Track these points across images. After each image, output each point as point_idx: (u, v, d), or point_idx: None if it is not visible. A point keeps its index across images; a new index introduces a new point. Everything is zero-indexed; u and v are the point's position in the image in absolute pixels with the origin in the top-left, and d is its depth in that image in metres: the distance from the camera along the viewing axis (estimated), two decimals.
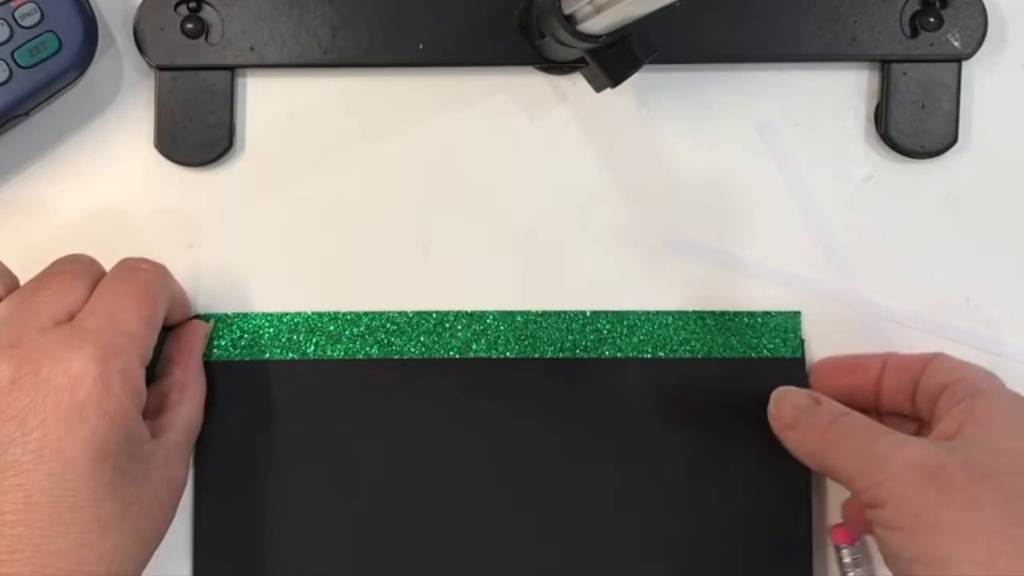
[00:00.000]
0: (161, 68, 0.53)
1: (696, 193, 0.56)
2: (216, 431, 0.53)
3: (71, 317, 0.47)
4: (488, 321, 0.54)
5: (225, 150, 0.54)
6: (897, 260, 0.56)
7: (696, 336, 0.55)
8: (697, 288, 0.56)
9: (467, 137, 0.55)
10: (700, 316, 0.55)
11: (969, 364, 0.51)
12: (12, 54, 0.50)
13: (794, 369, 0.54)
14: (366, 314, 0.54)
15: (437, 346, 0.54)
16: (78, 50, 0.51)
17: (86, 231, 0.54)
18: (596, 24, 0.45)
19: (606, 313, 0.55)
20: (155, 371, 0.52)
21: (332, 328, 0.54)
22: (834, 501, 0.55)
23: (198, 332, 0.53)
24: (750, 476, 0.54)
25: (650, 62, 0.47)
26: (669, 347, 0.54)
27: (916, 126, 0.55)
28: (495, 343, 0.54)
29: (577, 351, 0.54)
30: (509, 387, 0.54)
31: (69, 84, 0.52)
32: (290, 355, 0.53)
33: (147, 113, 0.54)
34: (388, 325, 0.54)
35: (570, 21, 0.47)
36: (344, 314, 0.54)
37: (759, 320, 0.55)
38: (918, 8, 0.55)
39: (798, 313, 0.55)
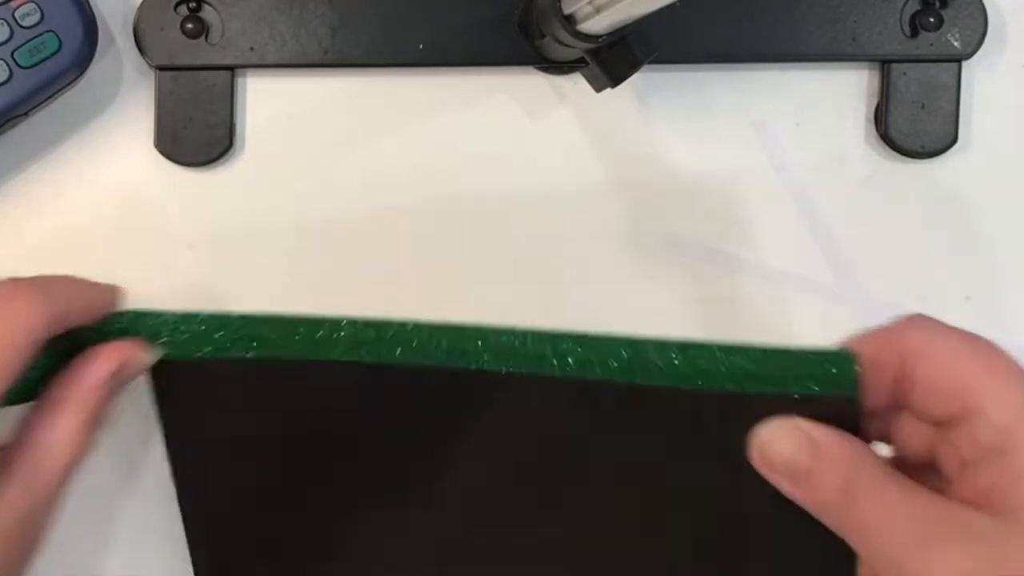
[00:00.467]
0: (161, 68, 0.53)
1: (696, 193, 0.56)
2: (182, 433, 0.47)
3: None
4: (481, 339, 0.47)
5: (225, 150, 0.54)
6: (897, 260, 0.56)
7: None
8: (697, 288, 0.56)
9: (467, 137, 0.55)
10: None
11: (967, 350, 0.40)
12: (12, 54, 0.50)
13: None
14: (327, 319, 0.48)
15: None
16: (78, 50, 0.51)
17: (86, 231, 0.54)
18: (596, 24, 0.45)
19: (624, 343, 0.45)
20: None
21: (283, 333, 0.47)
22: None
23: (96, 362, 0.44)
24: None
25: (650, 62, 0.47)
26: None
27: (916, 126, 0.55)
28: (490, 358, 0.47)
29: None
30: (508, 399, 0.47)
31: (69, 84, 0.52)
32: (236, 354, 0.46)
33: (147, 113, 0.54)
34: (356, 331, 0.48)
35: (570, 21, 0.47)
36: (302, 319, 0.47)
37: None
38: (918, 8, 0.55)
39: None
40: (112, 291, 0.46)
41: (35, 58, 0.50)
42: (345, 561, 0.49)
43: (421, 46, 0.54)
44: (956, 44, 0.55)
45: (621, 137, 0.56)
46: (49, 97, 0.51)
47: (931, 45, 0.55)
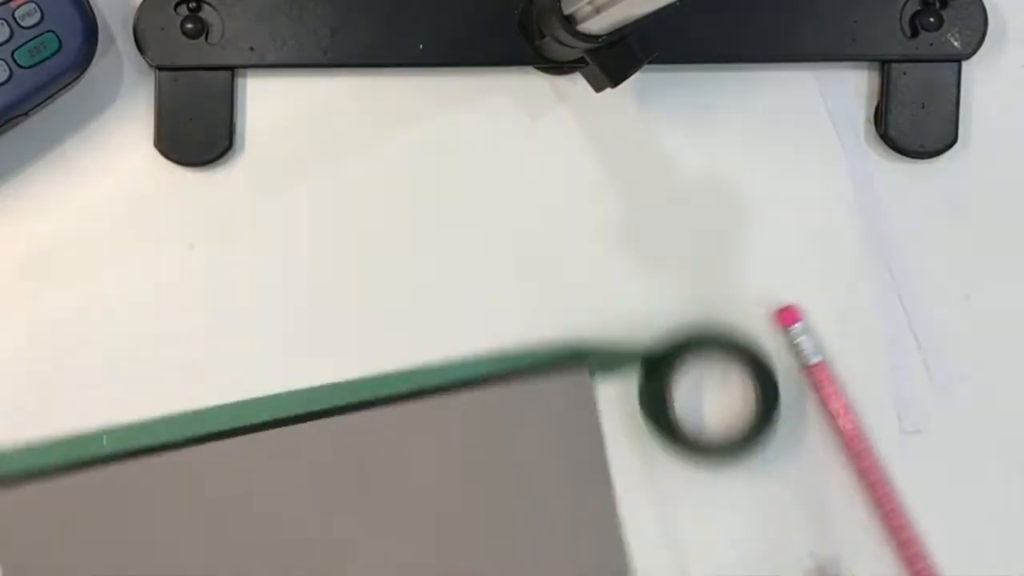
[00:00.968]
0: (161, 68, 0.53)
1: (696, 193, 0.56)
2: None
3: None
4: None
5: (225, 150, 0.54)
6: (897, 260, 0.56)
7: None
8: (696, 288, 0.56)
9: (467, 137, 0.55)
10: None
11: None
12: (12, 54, 0.50)
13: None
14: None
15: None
16: (78, 50, 0.51)
17: (86, 231, 0.54)
18: (596, 24, 0.45)
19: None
20: None
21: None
22: None
23: None
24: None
25: (650, 62, 0.47)
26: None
27: (916, 126, 0.55)
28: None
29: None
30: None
31: (69, 84, 0.52)
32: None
33: (147, 113, 0.54)
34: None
35: (570, 21, 0.47)
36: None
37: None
38: (918, 8, 0.55)
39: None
40: None
41: (35, 58, 0.50)
42: None
43: (421, 46, 0.54)
44: (956, 44, 0.55)
45: (621, 137, 0.56)
46: (49, 97, 0.51)
47: (931, 45, 0.55)
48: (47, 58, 0.50)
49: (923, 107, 0.55)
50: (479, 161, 0.55)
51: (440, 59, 0.54)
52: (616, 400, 0.55)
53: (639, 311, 0.55)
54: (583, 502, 0.54)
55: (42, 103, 0.51)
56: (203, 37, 0.53)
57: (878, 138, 0.56)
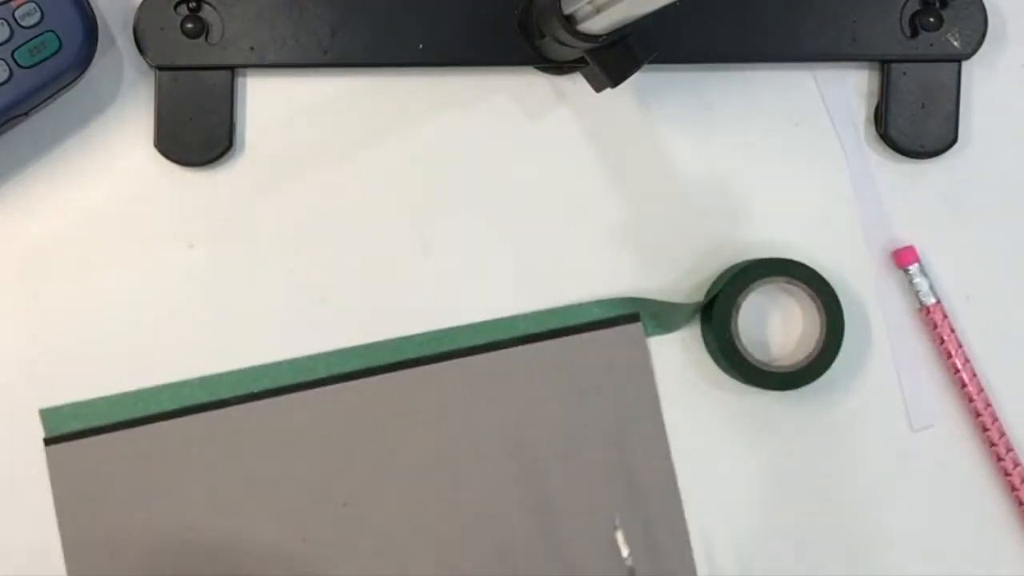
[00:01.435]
0: (161, 68, 0.53)
1: (696, 193, 0.56)
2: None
3: None
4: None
5: (225, 150, 0.54)
6: (896, 259, 0.56)
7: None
8: (696, 287, 0.56)
9: (467, 137, 0.55)
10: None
11: None
12: (12, 54, 0.50)
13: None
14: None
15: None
16: (78, 50, 0.51)
17: (86, 231, 0.54)
18: (596, 24, 0.45)
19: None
20: None
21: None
22: None
23: None
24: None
25: (650, 62, 0.47)
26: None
27: (916, 126, 0.55)
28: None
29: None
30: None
31: (69, 84, 0.52)
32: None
33: (147, 113, 0.54)
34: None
35: (570, 21, 0.47)
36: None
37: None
38: (918, 8, 0.55)
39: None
40: None
41: (35, 58, 0.50)
42: None
43: (421, 46, 0.54)
44: (956, 44, 0.55)
45: (621, 137, 0.56)
46: (49, 97, 0.51)
47: (931, 45, 0.55)
48: (47, 58, 0.50)
49: (923, 107, 0.55)
50: (479, 161, 0.55)
51: (440, 59, 0.54)
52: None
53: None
54: (637, 455, 0.54)
55: (42, 103, 0.51)
56: (203, 37, 0.53)
57: (878, 138, 0.56)
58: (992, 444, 0.55)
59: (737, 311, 0.54)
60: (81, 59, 0.51)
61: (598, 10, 0.44)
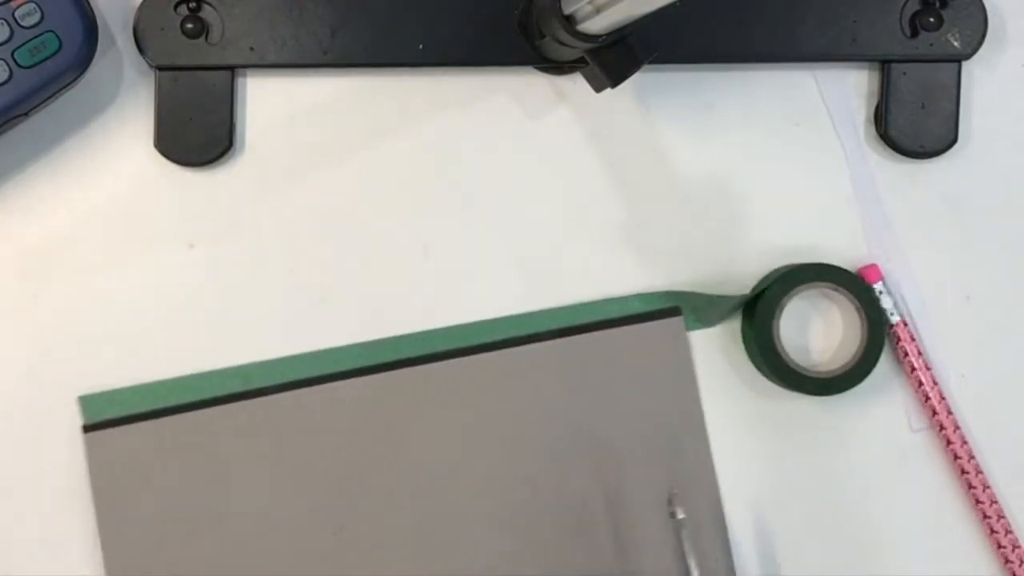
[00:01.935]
0: (161, 68, 0.53)
1: (696, 193, 0.56)
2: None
3: None
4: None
5: (225, 150, 0.54)
6: (896, 260, 0.56)
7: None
8: (695, 287, 0.56)
9: (467, 137, 0.55)
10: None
11: None
12: (12, 54, 0.50)
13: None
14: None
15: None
16: (78, 50, 0.51)
17: (86, 231, 0.54)
18: (596, 24, 0.45)
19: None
20: None
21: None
22: None
23: None
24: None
25: (650, 62, 0.47)
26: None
27: (916, 126, 0.55)
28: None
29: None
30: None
31: (69, 84, 0.52)
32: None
33: (147, 113, 0.54)
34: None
35: (570, 21, 0.47)
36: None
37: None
38: (918, 8, 0.55)
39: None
40: None
41: (35, 58, 0.50)
42: None
43: (421, 46, 0.54)
44: (956, 44, 0.55)
45: (621, 137, 0.56)
46: (49, 97, 0.51)
47: (931, 45, 0.55)
48: (47, 58, 0.50)
49: (923, 107, 0.55)
50: (479, 161, 0.55)
51: (440, 59, 0.54)
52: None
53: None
54: (677, 450, 0.54)
55: (42, 103, 0.51)
56: (203, 37, 0.53)
57: (878, 138, 0.56)
58: (964, 472, 0.55)
59: (780, 312, 0.54)
60: (81, 59, 0.51)
61: (598, 10, 0.44)
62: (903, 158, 0.56)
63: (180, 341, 0.54)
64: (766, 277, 0.55)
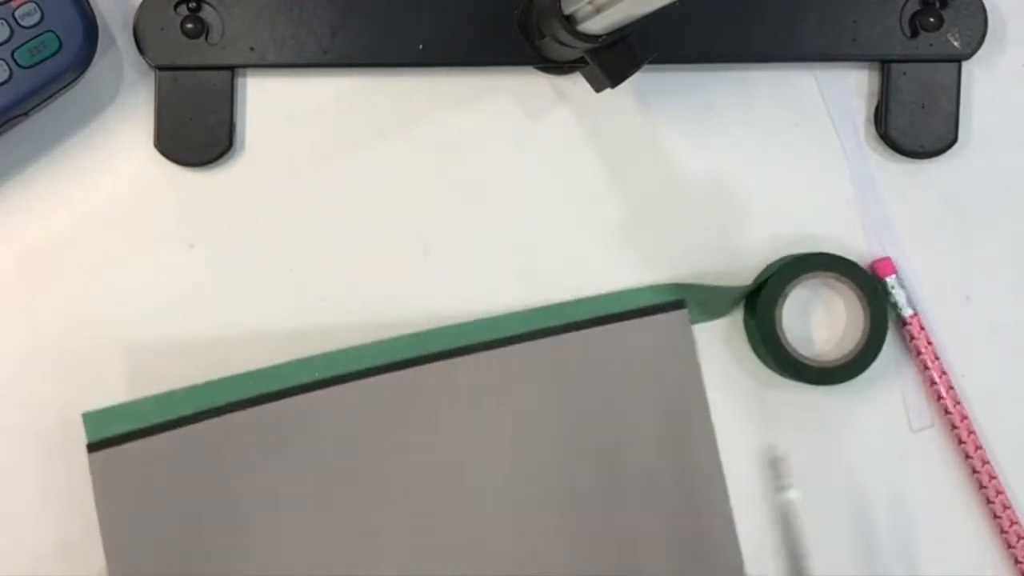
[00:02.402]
0: (161, 68, 0.53)
1: (696, 193, 0.56)
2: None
3: None
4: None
5: (225, 150, 0.54)
6: (897, 260, 0.56)
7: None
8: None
9: (467, 137, 0.55)
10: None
11: None
12: (12, 54, 0.50)
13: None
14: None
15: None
16: (78, 50, 0.51)
17: (86, 231, 0.54)
18: (596, 24, 0.45)
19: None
20: None
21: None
22: None
23: None
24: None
25: (650, 62, 0.47)
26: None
27: (916, 126, 0.55)
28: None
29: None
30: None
31: (69, 84, 0.52)
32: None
33: (147, 113, 0.54)
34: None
35: (570, 21, 0.47)
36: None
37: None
38: (918, 8, 0.55)
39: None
40: None
41: (35, 58, 0.50)
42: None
43: (421, 46, 0.54)
44: (956, 44, 0.55)
45: (621, 137, 0.56)
46: (49, 97, 0.51)
47: (931, 45, 0.55)
48: (47, 58, 0.50)
49: (923, 107, 0.55)
50: (479, 161, 0.55)
51: (440, 59, 0.54)
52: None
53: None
54: (684, 443, 0.54)
55: (42, 103, 0.51)
56: (203, 37, 0.53)
57: (878, 138, 0.56)
58: (968, 456, 0.55)
59: (783, 301, 0.54)
60: (81, 59, 0.51)
61: (598, 10, 0.44)
62: (903, 158, 0.56)
63: (180, 341, 0.54)
64: (769, 267, 0.55)
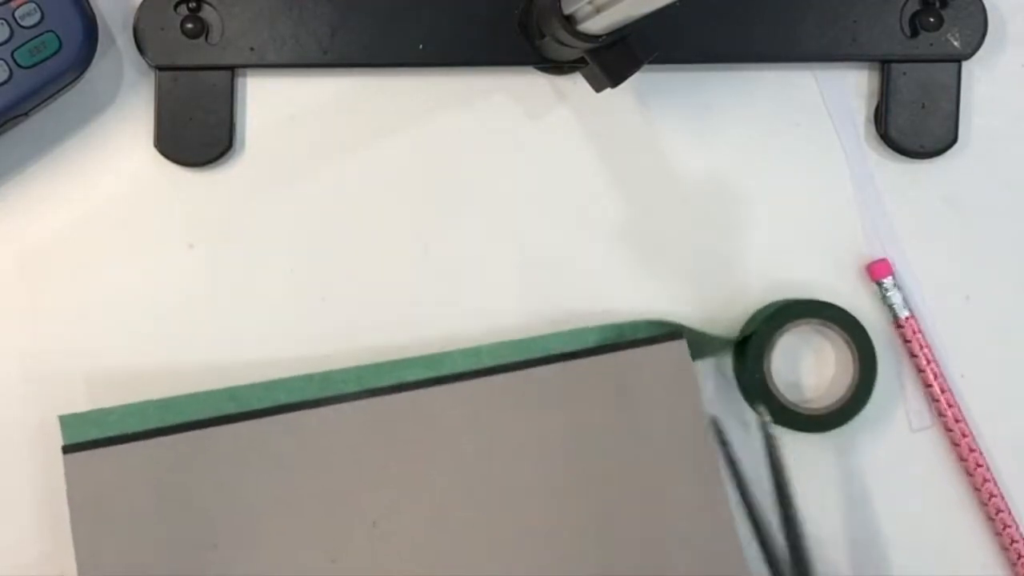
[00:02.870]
0: (161, 68, 0.53)
1: (696, 193, 0.56)
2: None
3: None
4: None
5: (225, 150, 0.54)
6: (896, 260, 0.56)
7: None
8: (696, 288, 0.56)
9: (467, 137, 0.55)
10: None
11: None
12: (12, 54, 0.50)
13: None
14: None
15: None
16: (78, 50, 0.51)
17: (86, 231, 0.54)
18: (596, 24, 0.45)
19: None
20: None
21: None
22: None
23: None
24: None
25: (650, 62, 0.47)
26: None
27: (916, 126, 0.55)
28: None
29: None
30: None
31: (69, 84, 0.52)
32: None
33: (147, 113, 0.54)
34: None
35: (570, 21, 0.47)
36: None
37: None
38: (918, 8, 0.55)
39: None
40: None
41: (35, 58, 0.50)
42: None
43: (421, 46, 0.54)
44: (956, 44, 0.55)
45: (621, 137, 0.56)
46: (49, 97, 0.51)
47: (931, 45, 0.55)
48: (47, 58, 0.50)
49: (923, 107, 0.55)
50: (479, 161, 0.55)
51: (440, 59, 0.54)
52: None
53: (639, 310, 0.55)
54: (685, 472, 0.53)
55: (42, 103, 0.51)
56: (203, 37, 0.53)
57: (878, 138, 0.56)
58: (962, 459, 0.55)
59: (771, 351, 0.54)
60: (81, 59, 0.51)
61: (598, 10, 0.44)
62: (903, 158, 0.56)
63: (180, 341, 0.54)
64: (754, 316, 0.55)
